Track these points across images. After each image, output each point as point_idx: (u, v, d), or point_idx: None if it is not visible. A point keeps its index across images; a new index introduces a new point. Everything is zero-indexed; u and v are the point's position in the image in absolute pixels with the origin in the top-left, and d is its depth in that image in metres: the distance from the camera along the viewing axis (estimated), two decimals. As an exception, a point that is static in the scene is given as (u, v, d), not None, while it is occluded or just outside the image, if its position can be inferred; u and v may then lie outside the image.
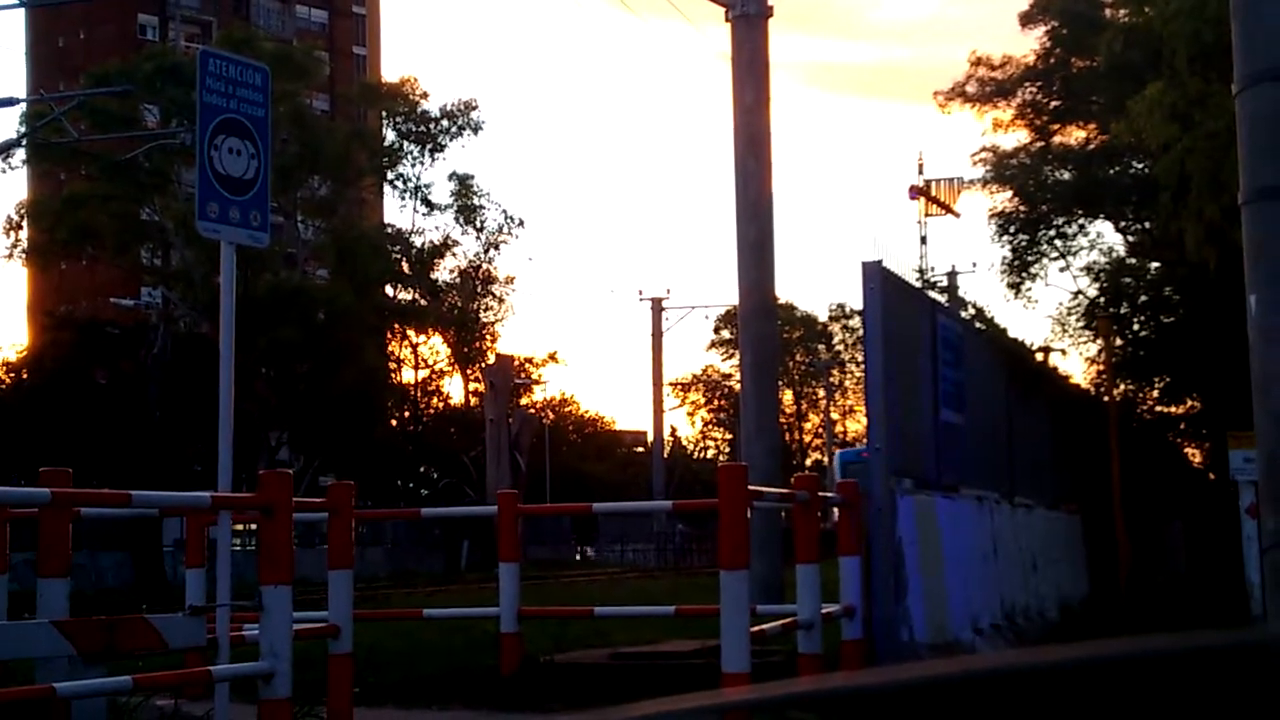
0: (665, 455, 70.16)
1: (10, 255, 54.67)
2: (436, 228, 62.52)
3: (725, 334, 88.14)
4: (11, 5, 33.57)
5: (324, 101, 76.42)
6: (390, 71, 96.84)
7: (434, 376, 66.12)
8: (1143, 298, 38.69)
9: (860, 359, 52.34)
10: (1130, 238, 40.47)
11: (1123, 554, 21.04)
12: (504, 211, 61.86)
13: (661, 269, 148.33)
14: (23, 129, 43.58)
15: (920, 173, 52.64)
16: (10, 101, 33.55)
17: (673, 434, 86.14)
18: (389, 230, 62.88)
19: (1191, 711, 1.77)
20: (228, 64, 8.38)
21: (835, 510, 11.75)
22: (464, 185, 60.87)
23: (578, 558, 64.85)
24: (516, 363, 61.68)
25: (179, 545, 35.49)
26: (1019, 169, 39.75)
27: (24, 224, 54.25)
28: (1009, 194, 40.43)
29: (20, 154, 48.66)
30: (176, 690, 8.91)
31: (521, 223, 62.10)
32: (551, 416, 78.50)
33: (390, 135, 60.68)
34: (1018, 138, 40.79)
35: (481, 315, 63.03)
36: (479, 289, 62.55)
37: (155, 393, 43.64)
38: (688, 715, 2.00)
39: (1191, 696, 1.77)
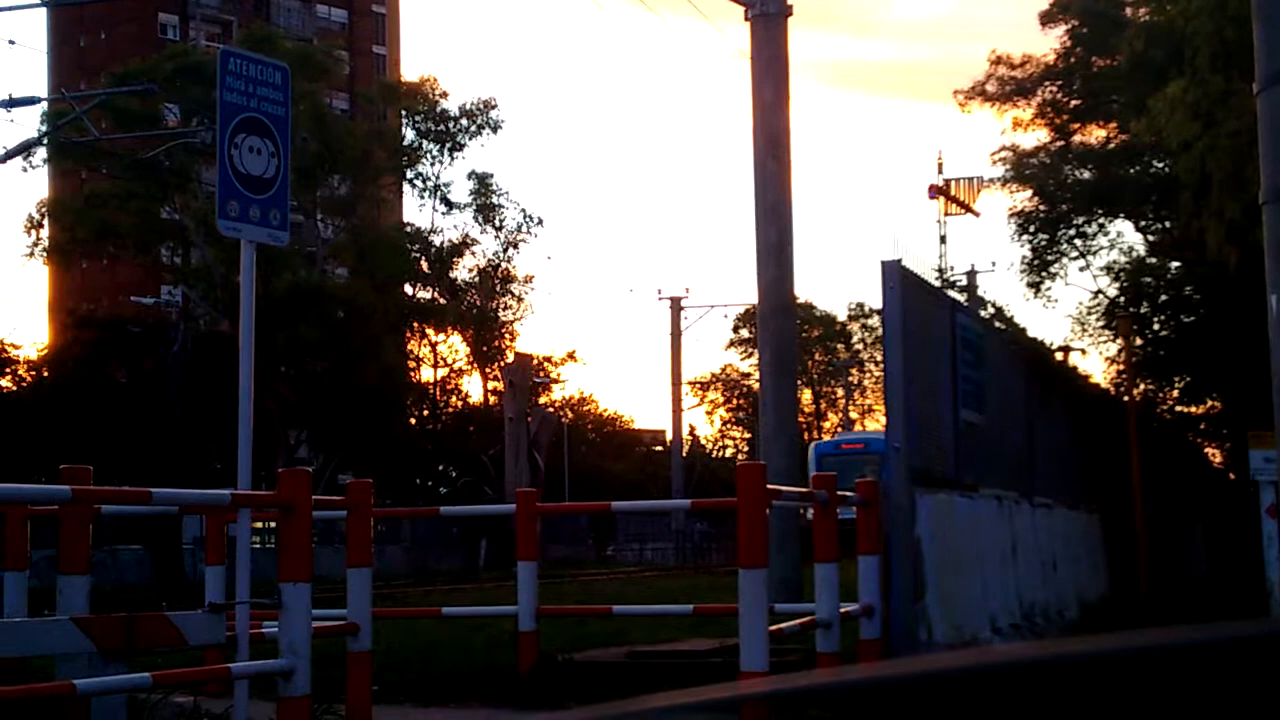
0: (684, 454, 70.11)
1: (32, 254, 54.93)
2: (455, 226, 62.64)
3: (744, 333, 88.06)
4: (33, 5, 33.70)
5: (344, 101, 76.55)
6: (410, 70, 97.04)
7: (453, 375, 66.21)
8: (1163, 297, 38.58)
9: (879, 358, 52.23)
10: (1150, 237, 40.37)
11: (1142, 554, 20.97)
12: (523, 210, 61.93)
13: (680, 268, 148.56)
14: (44, 128, 43.72)
15: (940, 172, 52.43)
16: (32, 100, 33.70)
17: (691, 433, 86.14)
18: (408, 229, 62.95)
19: (1212, 704, 1.76)
20: (248, 63, 8.40)
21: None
22: (483, 184, 60.94)
23: (609, 552, 64.74)
24: (535, 361, 61.66)
25: (199, 543, 35.60)
26: (1039, 168, 39.68)
27: (45, 223, 54.47)
28: (1029, 193, 40.38)
29: (41, 153, 48.84)
30: (196, 687, 8.93)
31: (540, 221, 62.17)
32: (570, 415, 78.51)
33: (410, 134, 60.77)
34: (1038, 137, 40.76)
35: (500, 314, 63.08)
36: (498, 288, 62.59)
37: (175, 391, 43.75)
38: (703, 708, 2.00)
39: (1212, 689, 1.76)
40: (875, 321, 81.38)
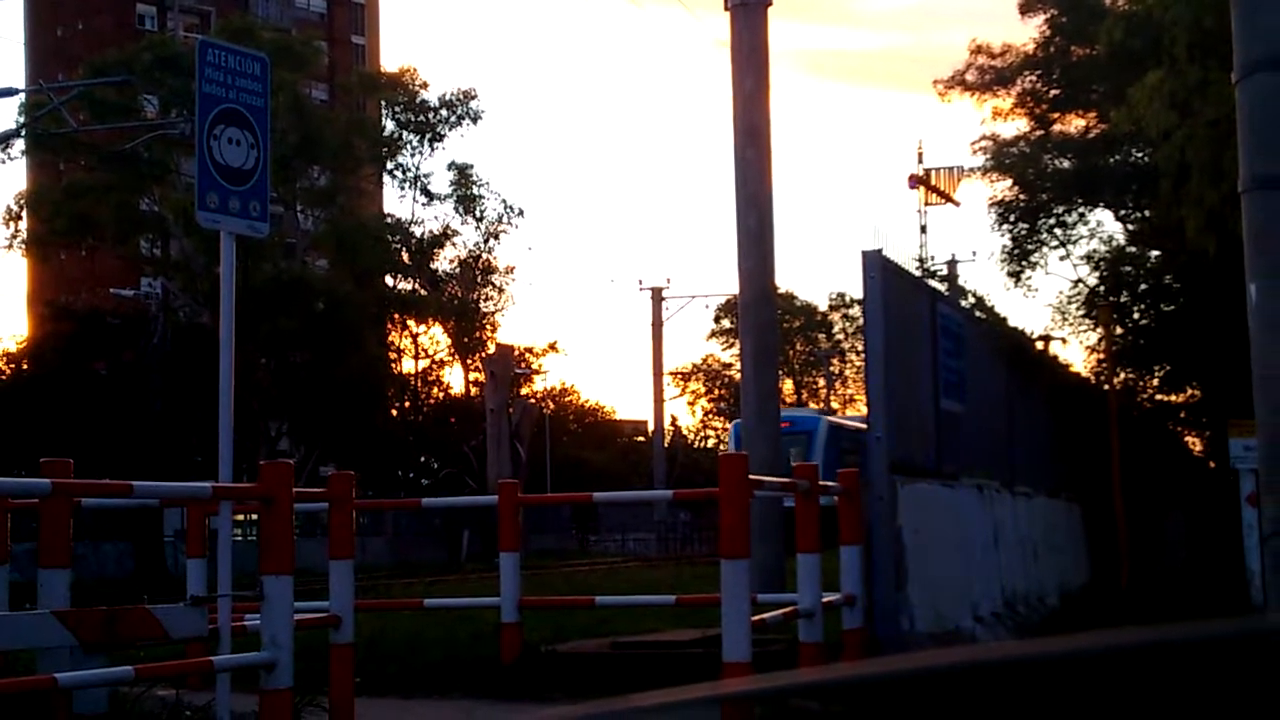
0: (666, 444, 70.16)
1: (10, 245, 54.64)
2: (436, 217, 62.49)
3: (725, 323, 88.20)
4: (10, -5, 33.52)
5: (323, 91, 76.35)
6: (389, 61, 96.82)
7: (434, 366, 66.12)
8: (1143, 286, 38.65)
9: (860, 348, 52.27)
10: (1130, 226, 40.45)
11: (1123, 542, 21.04)
12: (503, 201, 61.82)
13: (661, 258, 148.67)
14: (22, 119, 43.59)
15: (920, 161, 52.57)
16: (9, 92, 33.54)
17: (673, 423, 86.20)
18: (388, 220, 62.83)
19: (1197, 703, 1.77)
20: (227, 54, 8.38)
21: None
22: (463, 175, 60.83)
23: (592, 543, 64.76)
24: (516, 352, 61.63)
25: (180, 535, 35.51)
26: (1019, 157, 39.71)
27: (23, 214, 54.19)
28: (1009, 182, 40.39)
29: (19, 144, 48.63)
30: (178, 680, 8.91)
31: (521, 212, 62.07)
32: (552, 406, 78.45)
33: (389, 125, 60.61)
34: (1017, 126, 40.78)
35: (481, 305, 63.00)
36: (479, 279, 62.51)
37: (155, 383, 43.64)
38: (688, 706, 2.00)
39: (1196, 687, 1.77)
40: (856, 311, 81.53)
